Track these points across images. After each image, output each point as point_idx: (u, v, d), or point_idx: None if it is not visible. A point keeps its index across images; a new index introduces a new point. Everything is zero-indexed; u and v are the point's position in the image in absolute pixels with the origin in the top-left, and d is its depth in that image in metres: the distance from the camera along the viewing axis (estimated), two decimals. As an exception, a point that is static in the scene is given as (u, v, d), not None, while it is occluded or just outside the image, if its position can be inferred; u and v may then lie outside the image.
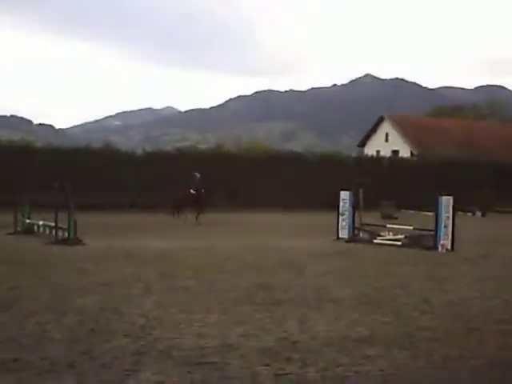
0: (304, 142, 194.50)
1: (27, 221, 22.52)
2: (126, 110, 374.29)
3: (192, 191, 29.38)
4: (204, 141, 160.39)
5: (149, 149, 39.37)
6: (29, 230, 22.12)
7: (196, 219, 28.46)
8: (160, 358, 7.62)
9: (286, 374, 7.14)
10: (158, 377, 6.90)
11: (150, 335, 8.67)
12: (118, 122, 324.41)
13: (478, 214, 36.79)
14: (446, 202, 19.52)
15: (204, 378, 6.93)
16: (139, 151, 37.66)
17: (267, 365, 7.46)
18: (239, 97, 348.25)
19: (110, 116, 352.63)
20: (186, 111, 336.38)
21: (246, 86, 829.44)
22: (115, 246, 18.64)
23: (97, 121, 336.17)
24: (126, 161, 35.33)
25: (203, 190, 29.53)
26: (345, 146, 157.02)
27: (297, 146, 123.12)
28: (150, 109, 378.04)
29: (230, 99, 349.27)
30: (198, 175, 30.05)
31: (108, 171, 34.11)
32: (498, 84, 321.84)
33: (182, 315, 9.85)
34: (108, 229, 24.62)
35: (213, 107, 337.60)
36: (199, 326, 9.23)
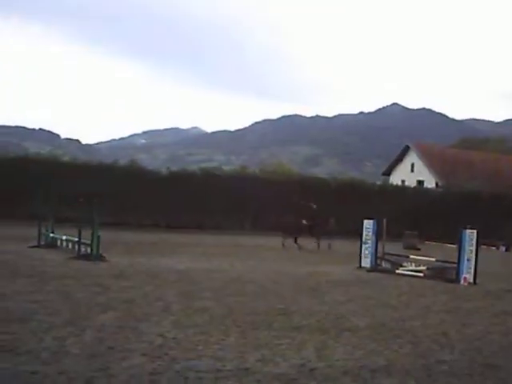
0: (328, 169, 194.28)
1: (51, 235, 22.67)
2: (152, 128, 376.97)
3: (304, 222, 29.52)
4: (228, 162, 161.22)
5: (173, 168, 39.58)
6: (52, 244, 22.27)
7: (318, 247, 29.07)
8: (176, 379, 7.62)
9: (307, 402, 7.13)
10: (174, 398, 6.91)
11: (167, 355, 8.67)
12: (143, 141, 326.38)
13: (502, 248, 36.47)
14: (470, 235, 19.40)
15: (219, 401, 6.93)
16: (164, 170, 37.85)
17: (283, 391, 7.44)
18: (265, 120, 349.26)
19: (137, 134, 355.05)
20: (213, 132, 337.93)
21: (273, 110, 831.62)
22: (137, 264, 18.72)
23: (123, 138, 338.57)
24: (150, 179, 35.48)
25: (318, 220, 29.42)
26: (368, 174, 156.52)
27: (321, 171, 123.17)
28: (176, 128, 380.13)
29: (256, 122, 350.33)
30: (314, 206, 30.14)
31: (132, 189, 34.26)
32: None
33: (199, 336, 9.85)
34: (130, 246, 24.73)
35: (239, 130, 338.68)
36: (217, 348, 9.23)
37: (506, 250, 36.19)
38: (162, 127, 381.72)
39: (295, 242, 29.14)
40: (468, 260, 19.11)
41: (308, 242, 28.60)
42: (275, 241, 30.80)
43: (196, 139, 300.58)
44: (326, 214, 29.28)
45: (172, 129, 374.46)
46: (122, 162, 39.91)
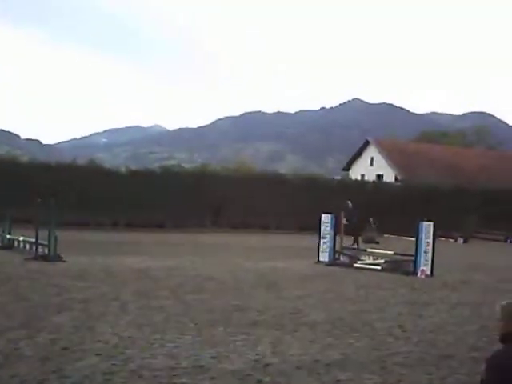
0: (291, 164, 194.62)
1: (7, 236, 22.40)
2: (113, 127, 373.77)
3: (344, 221, 26.69)
4: (191, 160, 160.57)
5: (135, 167, 39.40)
6: (9, 246, 22.00)
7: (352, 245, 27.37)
8: (130, 378, 7.61)
9: (256, 397, 7.16)
10: (126, 397, 6.89)
11: (123, 354, 8.66)
12: (105, 139, 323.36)
13: (460, 240, 36.91)
14: (427, 227, 19.59)
15: (172, 399, 6.92)
16: (123, 169, 37.59)
17: (237, 387, 7.47)
18: (227, 117, 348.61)
19: (98, 133, 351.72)
20: (174, 130, 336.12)
21: (235, 107, 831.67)
22: (95, 264, 18.58)
23: (84, 137, 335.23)
24: (109, 178, 35.21)
25: (355, 220, 27.99)
26: (331, 169, 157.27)
27: (283, 167, 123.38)
28: (137, 126, 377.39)
29: (218, 119, 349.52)
30: (350, 204, 29.05)
31: (92, 188, 33.98)
32: (485, 111, 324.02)
33: (155, 335, 9.84)
34: (89, 246, 24.52)
35: (201, 127, 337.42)
36: (172, 346, 9.23)
37: (465, 242, 36.63)
38: (123, 125, 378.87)
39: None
40: (425, 252, 19.30)
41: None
42: (236, 238, 30.84)
43: (157, 137, 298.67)
44: (364, 213, 27.99)
45: (133, 127, 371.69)
46: (82, 161, 39.59)
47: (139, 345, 9.23)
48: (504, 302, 4.54)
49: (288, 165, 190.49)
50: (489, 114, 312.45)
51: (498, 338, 4.48)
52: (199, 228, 34.19)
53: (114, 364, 8.16)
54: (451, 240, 36.49)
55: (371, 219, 29.29)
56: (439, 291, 16.28)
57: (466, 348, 10.04)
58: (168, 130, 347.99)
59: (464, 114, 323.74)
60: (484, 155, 65.87)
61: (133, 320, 10.93)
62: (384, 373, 8.45)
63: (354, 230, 26.98)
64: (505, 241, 37.78)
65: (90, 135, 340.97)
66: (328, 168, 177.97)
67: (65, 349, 8.80)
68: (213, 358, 8.70)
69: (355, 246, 26.43)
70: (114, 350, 8.90)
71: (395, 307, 13.60)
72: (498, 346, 4.42)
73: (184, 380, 7.60)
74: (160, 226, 33.83)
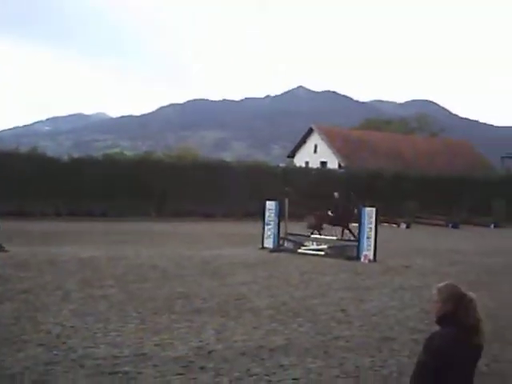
0: (236, 152, 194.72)
1: None
2: (56, 115, 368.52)
3: (329, 212, 26.29)
4: (135, 148, 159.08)
5: (78, 155, 38.87)
6: None
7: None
8: (72, 368, 7.55)
9: (199, 384, 7.17)
10: (67, 387, 6.84)
11: (65, 344, 8.59)
12: (48, 127, 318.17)
13: (403, 225, 37.42)
14: (369, 213, 19.81)
15: (114, 388, 6.89)
16: (66, 157, 37.04)
17: (180, 374, 7.48)
18: (172, 104, 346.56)
19: (41, 121, 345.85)
20: (118, 117, 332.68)
21: (179, 94, 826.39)
22: (38, 254, 18.29)
23: (27, 125, 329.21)
24: (52, 166, 34.67)
25: (340, 210, 26.02)
26: (276, 156, 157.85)
27: (229, 155, 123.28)
28: (80, 114, 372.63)
29: (163, 107, 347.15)
30: (336, 195, 27.76)
31: (34, 177, 33.42)
32: (428, 99, 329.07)
33: (98, 324, 9.78)
34: (31, 236, 24.14)
35: (144, 114, 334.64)
36: (115, 335, 9.18)
37: (407, 227, 37.16)
38: (65, 113, 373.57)
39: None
40: (368, 238, 19.55)
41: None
42: (181, 226, 30.74)
43: (101, 125, 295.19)
44: (349, 203, 26.78)
45: (76, 114, 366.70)
46: (25, 149, 38.83)
47: (82, 334, 9.17)
48: (440, 285, 4.63)
49: (233, 152, 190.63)
50: (431, 102, 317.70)
51: (435, 320, 4.57)
52: (143, 217, 33.97)
53: (56, 354, 8.09)
54: (394, 225, 37.00)
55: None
56: (381, 276, 16.51)
57: (407, 331, 10.24)
58: (111, 118, 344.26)
59: (407, 102, 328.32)
60: (426, 142, 66.80)
61: (76, 309, 10.84)
62: (327, 357, 8.56)
63: (341, 221, 25.60)
64: (446, 225, 38.43)
65: (33, 123, 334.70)
66: (273, 155, 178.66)
67: (6, 340, 8.69)
68: (156, 345, 8.69)
69: (346, 237, 24.90)
70: (56, 339, 8.82)
71: (338, 292, 13.74)
72: (437, 328, 4.51)
73: (127, 368, 7.58)
74: (103, 215, 33.48)
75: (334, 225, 25.60)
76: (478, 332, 4.41)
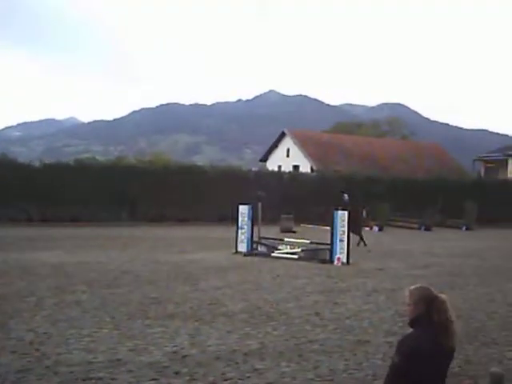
0: (208, 156, 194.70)
1: None
2: (27, 120, 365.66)
3: None
4: (107, 153, 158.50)
5: (50, 160, 38.53)
6: None
7: (357, 244, 24.23)
8: (45, 375, 7.49)
9: (173, 389, 7.15)
10: (41, 394, 6.78)
11: (38, 351, 8.52)
12: (18, 133, 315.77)
13: (375, 228, 37.58)
14: (342, 216, 19.88)
15: (89, 394, 6.85)
16: (37, 162, 36.71)
17: (155, 379, 7.46)
18: (143, 109, 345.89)
19: (11, 126, 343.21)
20: (89, 122, 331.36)
21: (150, 99, 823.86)
22: (9, 260, 18.14)
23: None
24: (22, 172, 34.34)
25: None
26: (248, 160, 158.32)
27: (201, 159, 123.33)
28: (52, 119, 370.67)
29: (134, 111, 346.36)
30: (346, 197, 26.87)
31: (4, 183, 33.08)
32: (399, 102, 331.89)
33: (71, 330, 9.71)
34: (2, 242, 23.88)
35: (116, 119, 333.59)
36: (89, 340, 9.12)
37: (380, 230, 37.30)
38: (36, 119, 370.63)
39: None
40: (341, 241, 19.61)
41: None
42: (153, 231, 30.64)
43: (73, 130, 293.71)
44: (358, 205, 24.99)
45: (47, 120, 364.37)
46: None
47: (55, 340, 9.10)
48: (412, 287, 4.67)
49: (206, 157, 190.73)
50: (402, 105, 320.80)
51: (408, 322, 4.61)
52: (115, 221, 33.77)
53: (29, 361, 8.03)
54: (366, 228, 37.15)
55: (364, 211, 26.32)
56: (355, 279, 16.56)
57: (381, 333, 10.29)
58: (83, 123, 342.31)
59: (378, 105, 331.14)
60: (398, 145, 67.28)
61: (49, 316, 10.75)
62: (301, 360, 8.58)
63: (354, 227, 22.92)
64: (418, 228, 38.70)
65: (3, 129, 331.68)
66: (246, 159, 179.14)
67: (-23, 348, 8.61)
68: (130, 350, 8.65)
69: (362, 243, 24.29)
70: (29, 346, 8.75)
71: (312, 295, 13.78)
72: (410, 331, 4.55)
73: (101, 374, 7.54)
74: (75, 220, 33.21)
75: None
76: (450, 334, 4.46)
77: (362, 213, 23.31)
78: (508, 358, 9.15)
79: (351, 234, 21.09)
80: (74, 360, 8.12)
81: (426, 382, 4.37)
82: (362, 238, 24.90)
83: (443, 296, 4.56)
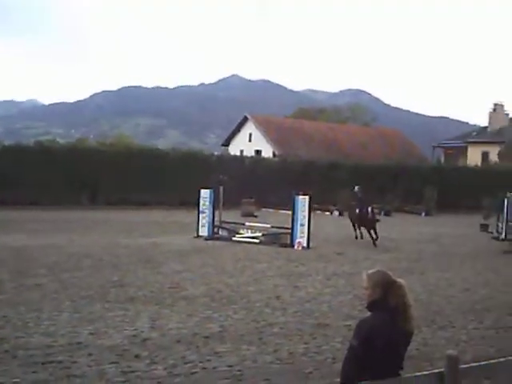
0: (171, 140, 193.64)
1: None
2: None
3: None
4: (68, 135, 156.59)
5: (9, 142, 37.99)
6: None
7: (374, 245, 21.02)
8: (4, 359, 7.46)
9: (134, 372, 7.18)
10: (-1, 378, 6.76)
11: (-4, 335, 8.47)
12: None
13: (336, 213, 37.77)
14: (303, 201, 19.98)
15: (48, 378, 6.84)
16: (-5, 145, 36.15)
17: (115, 362, 7.47)
18: (104, 91, 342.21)
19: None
20: (50, 104, 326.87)
21: (112, 81, 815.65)
22: (-34, 243, 17.95)
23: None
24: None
25: (369, 209, 21.78)
26: (211, 145, 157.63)
27: (164, 143, 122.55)
28: (11, 101, 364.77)
29: (96, 93, 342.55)
30: (357, 189, 23.59)
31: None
32: (360, 88, 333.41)
33: (31, 314, 9.67)
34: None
35: (78, 101, 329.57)
36: (48, 324, 9.10)
37: (340, 215, 37.46)
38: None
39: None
40: (301, 225, 19.72)
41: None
42: (115, 215, 30.44)
43: (33, 112, 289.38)
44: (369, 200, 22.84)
45: (6, 101, 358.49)
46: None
47: (14, 324, 9.06)
48: (370, 271, 4.74)
49: (168, 140, 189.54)
50: (364, 92, 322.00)
51: (366, 306, 4.69)
52: (75, 205, 33.45)
53: (-13, 345, 7.99)
54: (327, 213, 37.37)
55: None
56: (315, 263, 16.70)
57: (340, 317, 10.42)
58: (44, 105, 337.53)
59: (340, 91, 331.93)
60: (360, 131, 67.60)
61: (8, 299, 10.69)
62: (261, 343, 8.66)
63: (366, 221, 21.77)
64: (379, 213, 38.97)
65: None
66: (208, 144, 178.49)
67: None
68: (90, 334, 8.65)
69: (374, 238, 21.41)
70: (-13, 331, 8.70)
71: (272, 279, 13.88)
72: (368, 314, 4.62)
73: (61, 358, 7.53)
74: (34, 204, 32.78)
75: (360, 225, 22.13)
76: (408, 318, 4.54)
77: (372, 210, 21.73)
78: (464, 341, 9.35)
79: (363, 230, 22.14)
80: (34, 343, 8.10)
81: (384, 365, 4.44)
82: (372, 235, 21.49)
83: (401, 280, 4.63)
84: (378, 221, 22.09)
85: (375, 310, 4.56)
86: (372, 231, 21.41)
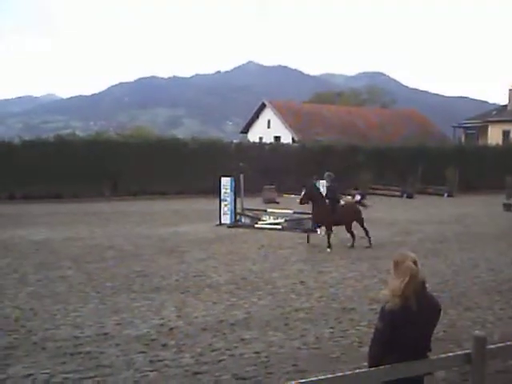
0: (189, 129, 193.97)
1: None
2: (3, 98, 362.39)
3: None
4: (87, 128, 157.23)
5: (30, 137, 38.17)
6: None
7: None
8: (33, 351, 7.51)
9: (161, 361, 7.21)
10: (29, 370, 6.80)
11: (24, 327, 8.53)
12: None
13: (357, 197, 37.59)
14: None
15: (78, 368, 6.88)
16: (16, 140, 36.38)
17: (142, 352, 7.50)
18: (121, 83, 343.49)
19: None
20: (68, 98, 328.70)
21: (129, 73, 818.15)
22: (-9, 238, 18.09)
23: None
24: (2, 150, 34.07)
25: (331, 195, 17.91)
26: (230, 132, 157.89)
27: (182, 132, 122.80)
28: (29, 96, 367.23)
29: (112, 86, 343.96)
30: (328, 178, 18.40)
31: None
32: (378, 70, 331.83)
33: (58, 306, 9.73)
34: (-16, 220, 23.78)
35: (95, 94, 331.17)
36: (75, 315, 9.15)
37: (362, 199, 37.30)
38: (13, 96, 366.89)
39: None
40: (323, 210, 19.56)
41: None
42: (136, 206, 30.55)
43: (51, 106, 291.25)
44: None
45: (25, 97, 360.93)
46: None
47: (41, 316, 9.12)
48: (396, 254, 4.70)
49: (186, 130, 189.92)
50: (381, 74, 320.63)
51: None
52: (97, 197, 33.64)
53: (16, 338, 8.05)
54: (349, 197, 37.21)
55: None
56: (338, 247, 16.65)
57: (365, 301, 10.39)
58: (62, 99, 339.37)
59: (357, 74, 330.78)
60: (377, 113, 67.22)
61: (34, 292, 10.76)
62: (288, 329, 8.65)
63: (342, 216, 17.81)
64: (401, 196, 38.78)
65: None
66: (227, 132, 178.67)
67: (-37, 326, 8.62)
68: (117, 324, 8.68)
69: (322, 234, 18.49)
70: (15, 323, 8.76)
71: (296, 265, 13.86)
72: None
73: (89, 348, 7.57)
74: (57, 197, 33.04)
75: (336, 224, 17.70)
76: (426, 296, 4.50)
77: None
78: (490, 322, 9.28)
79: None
80: (62, 335, 8.14)
81: (410, 347, 4.42)
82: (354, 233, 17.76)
83: (410, 261, 4.54)
84: (363, 206, 19.00)
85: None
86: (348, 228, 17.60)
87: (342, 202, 18.68)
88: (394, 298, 4.42)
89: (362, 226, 17.80)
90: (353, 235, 17.53)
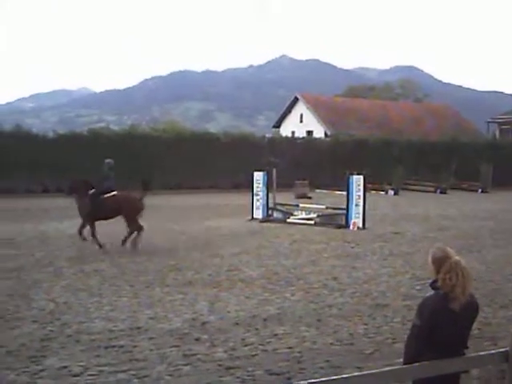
0: (221, 123, 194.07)
1: None
2: (39, 91, 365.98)
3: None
4: (120, 122, 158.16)
5: (64, 131, 38.49)
6: None
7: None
8: (68, 343, 7.58)
9: (195, 355, 7.22)
10: (64, 362, 6.86)
11: (59, 320, 8.61)
12: (31, 104, 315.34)
13: (391, 192, 37.40)
14: (357, 181, 19.80)
15: (112, 362, 6.93)
16: (51, 133, 36.76)
17: (176, 346, 7.52)
18: (155, 77, 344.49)
19: (23, 98, 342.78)
20: (102, 92, 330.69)
21: (162, 66, 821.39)
22: (26, 231, 18.30)
23: (9, 103, 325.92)
24: (37, 143, 34.45)
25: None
26: (261, 126, 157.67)
27: (214, 127, 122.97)
28: (64, 90, 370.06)
29: (146, 79, 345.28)
30: (107, 166, 16.67)
31: (20, 154, 33.17)
32: (412, 64, 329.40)
33: (92, 299, 9.81)
34: (18, 213, 24.07)
35: (128, 88, 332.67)
36: (109, 309, 9.22)
37: (395, 194, 37.15)
38: (49, 89, 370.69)
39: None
40: (356, 205, 19.56)
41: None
42: (169, 200, 30.65)
43: (85, 100, 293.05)
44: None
45: (59, 90, 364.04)
46: (9, 127, 38.35)
47: (75, 310, 9.20)
48: (434, 248, 4.65)
49: (218, 124, 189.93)
50: (415, 68, 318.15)
51: (429, 283, 4.61)
52: (131, 191, 33.79)
53: (51, 330, 8.12)
54: (382, 192, 37.01)
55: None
56: (371, 243, 16.56)
57: (399, 297, 10.31)
58: (95, 93, 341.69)
59: (391, 68, 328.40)
60: (411, 108, 66.75)
61: (68, 285, 10.86)
62: (320, 325, 8.62)
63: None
64: (434, 191, 38.48)
65: (15, 101, 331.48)
66: (259, 126, 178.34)
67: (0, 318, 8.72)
68: (150, 318, 8.73)
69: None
70: (50, 316, 8.84)
71: (329, 260, 13.81)
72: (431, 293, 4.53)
73: (122, 342, 7.62)
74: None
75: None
76: (465, 293, 4.44)
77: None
78: (526, 319, 9.16)
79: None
80: (96, 328, 8.21)
81: (448, 344, 4.38)
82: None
83: (456, 258, 4.50)
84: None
85: (436, 288, 4.48)
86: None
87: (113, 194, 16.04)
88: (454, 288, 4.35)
89: (130, 222, 15.29)
90: (131, 231, 15.19)
